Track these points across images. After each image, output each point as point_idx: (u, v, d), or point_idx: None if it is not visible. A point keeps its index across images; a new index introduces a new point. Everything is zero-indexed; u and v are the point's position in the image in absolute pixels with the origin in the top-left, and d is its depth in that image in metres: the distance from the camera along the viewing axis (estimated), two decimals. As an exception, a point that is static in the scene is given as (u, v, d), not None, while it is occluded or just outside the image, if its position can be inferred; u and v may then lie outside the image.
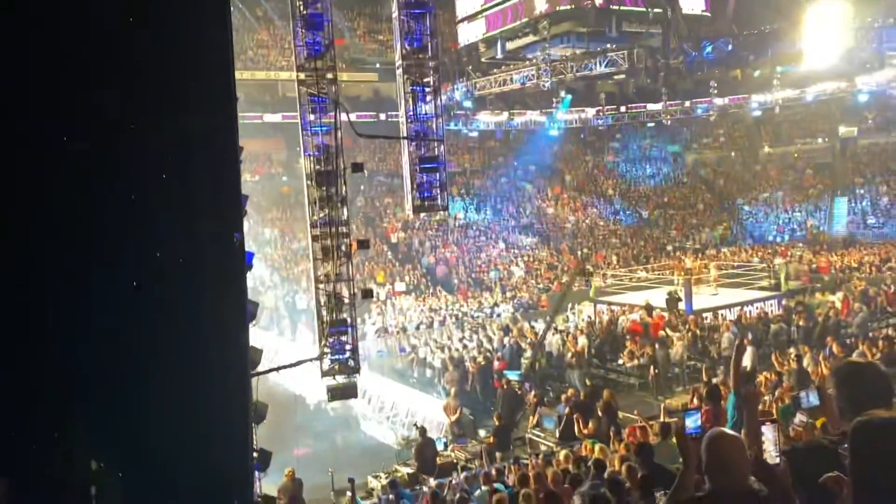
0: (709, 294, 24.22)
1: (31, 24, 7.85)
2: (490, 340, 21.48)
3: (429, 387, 19.05)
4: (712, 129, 45.83)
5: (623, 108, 40.76)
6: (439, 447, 13.57)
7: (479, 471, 11.26)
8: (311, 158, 12.16)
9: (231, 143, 10.89)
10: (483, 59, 32.80)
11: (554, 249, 36.35)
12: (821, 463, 2.66)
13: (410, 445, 14.14)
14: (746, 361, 16.03)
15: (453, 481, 9.97)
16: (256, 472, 10.72)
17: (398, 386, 19.50)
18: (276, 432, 14.29)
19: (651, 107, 39.68)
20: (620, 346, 19.68)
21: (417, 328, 24.94)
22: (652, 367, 17.41)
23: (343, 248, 12.34)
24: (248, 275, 10.92)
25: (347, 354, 12.52)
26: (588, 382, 16.37)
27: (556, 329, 20.63)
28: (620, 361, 18.87)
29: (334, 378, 12.56)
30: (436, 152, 12.97)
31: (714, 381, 13.07)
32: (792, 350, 15.16)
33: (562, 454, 10.11)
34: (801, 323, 18.58)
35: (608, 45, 28.11)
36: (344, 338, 12.51)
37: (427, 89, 12.83)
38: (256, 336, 16.52)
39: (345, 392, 12.71)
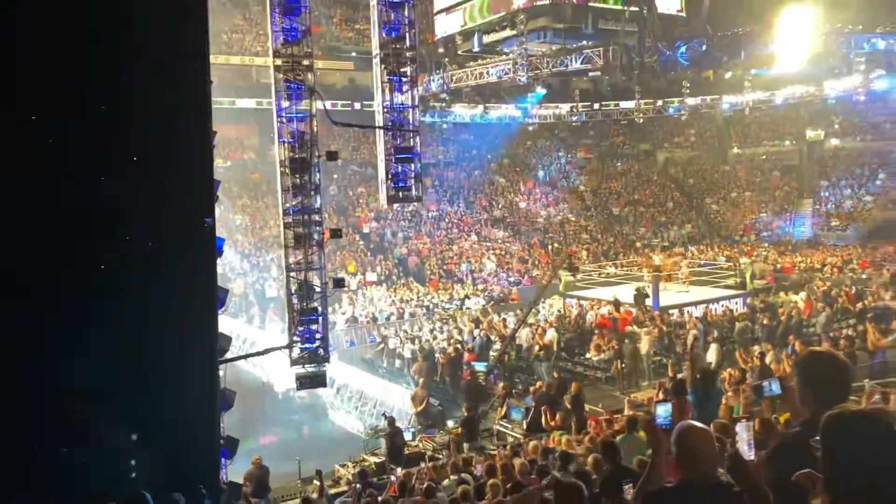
0: (679, 291, 24.55)
1: None
2: (460, 332, 21.58)
3: (398, 377, 19.08)
4: (683, 128, 46.42)
5: (597, 106, 41.11)
6: (407, 437, 13.61)
7: (447, 461, 11.33)
8: (285, 145, 12.05)
9: (204, 127, 10.76)
10: (460, 52, 32.79)
11: (525, 243, 36.56)
12: (793, 458, 2.71)
13: (378, 435, 14.16)
14: (711, 358, 16.37)
15: (421, 471, 10.01)
16: (223, 459, 10.67)
17: (367, 376, 19.50)
18: (243, 420, 14.23)
19: (624, 104, 40.09)
20: (588, 340, 19.89)
21: (388, 319, 24.93)
22: (618, 362, 17.63)
23: (315, 236, 12.27)
24: (218, 261, 10.82)
25: (317, 343, 12.46)
26: (556, 375, 16.52)
27: (525, 322, 20.75)
28: (588, 355, 19.07)
29: (303, 367, 12.50)
30: (411, 143, 12.92)
31: (679, 375, 13.27)
32: (756, 347, 15.45)
33: (530, 445, 10.20)
34: (764, 321, 18.92)
35: (584, 42, 28.30)
36: (314, 326, 12.45)
37: (404, 79, 12.78)
38: (225, 323, 16.37)
39: (314, 381, 12.66)
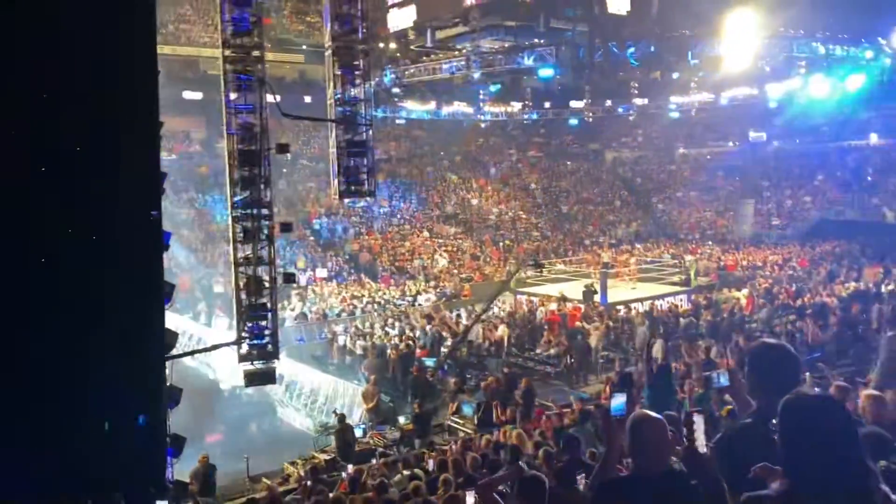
0: (628, 289, 25.00)
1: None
2: (412, 328, 21.55)
3: (349, 374, 18.93)
4: (631, 128, 47.30)
5: (547, 104, 41.54)
6: (358, 434, 13.53)
7: (398, 457, 11.31)
8: (234, 137, 11.81)
9: (151, 117, 10.48)
10: (413, 47, 32.68)
11: (477, 240, 36.72)
12: (746, 448, 2.78)
13: (328, 432, 14.03)
14: (657, 353, 16.71)
15: (372, 467, 9.96)
16: (169, 458, 10.41)
17: (317, 373, 19.29)
18: (190, 418, 13.90)
19: (574, 104, 40.62)
20: (539, 336, 20.10)
21: (339, 315, 24.72)
22: (568, 357, 17.86)
23: (265, 230, 12.06)
24: (164, 256, 10.55)
25: (266, 339, 12.25)
26: (506, 370, 16.65)
27: (481, 318, 20.78)
28: (538, 351, 19.27)
29: (252, 363, 12.29)
30: (364, 137, 12.80)
31: (627, 370, 13.52)
32: (702, 342, 15.83)
33: (482, 440, 10.25)
34: (708, 317, 19.41)
35: (536, 40, 28.52)
36: (263, 322, 12.24)
37: (356, 73, 12.65)
38: (171, 320, 15.98)
39: (262, 378, 12.46)
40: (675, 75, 33.36)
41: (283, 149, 12.06)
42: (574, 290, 24.20)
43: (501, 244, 36.69)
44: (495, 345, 18.88)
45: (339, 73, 12.66)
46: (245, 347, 12.12)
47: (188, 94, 35.52)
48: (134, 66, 9.70)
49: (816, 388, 5.86)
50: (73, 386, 8.01)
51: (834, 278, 23.59)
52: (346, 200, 34.19)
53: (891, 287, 19.21)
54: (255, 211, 11.98)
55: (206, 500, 10.58)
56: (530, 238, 37.96)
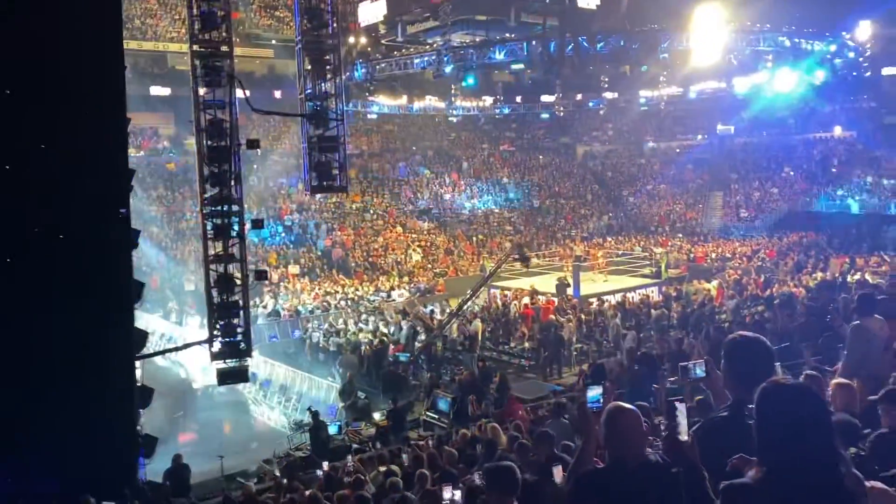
0: (600, 282, 25.16)
1: None
2: (387, 324, 21.50)
3: (322, 371, 18.83)
4: (601, 122, 47.62)
5: (519, 99, 41.65)
6: (333, 431, 13.46)
7: (374, 453, 11.29)
8: (204, 134, 11.66)
9: (118, 114, 10.26)
10: (383, 42, 32.52)
11: (450, 235, 36.73)
12: (723, 438, 2.82)
13: (302, 429, 13.94)
14: (629, 344, 16.90)
15: (347, 464, 9.92)
16: (141, 458, 10.28)
17: (290, 370, 19.16)
18: (162, 418, 13.76)
19: (545, 98, 40.77)
20: (513, 329, 20.17)
21: (311, 312, 24.56)
22: (542, 350, 17.95)
23: (235, 227, 11.94)
24: (133, 254, 10.39)
25: (238, 337, 12.15)
26: (481, 364, 16.69)
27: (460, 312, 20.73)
28: (513, 344, 19.34)
29: (224, 361, 12.18)
30: (335, 132, 12.71)
31: (599, 361, 13.63)
32: (673, 333, 16.01)
33: (459, 435, 10.26)
34: (678, 309, 19.64)
35: (507, 35, 28.57)
36: (235, 320, 12.14)
37: (327, 67, 12.54)
38: (142, 319, 15.75)
39: (235, 376, 12.36)
40: (643, 68, 33.63)
41: (252, 144, 11.95)
42: (547, 283, 24.32)
43: (475, 239, 36.75)
44: (470, 339, 18.91)
45: (309, 67, 12.55)
46: (217, 346, 12.02)
47: (156, 90, 34.99)
48: (100, 62, 9.51)
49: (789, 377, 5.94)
50: (40, 387, 7.87)
51: (801, 269, 23.99)
52: (318, 196, 34.10)
53: (856, 277, 19.60)
54: (225, 208, 11.86)
55: (181, 500, 10.45)
56: (503, 232, 38.04)
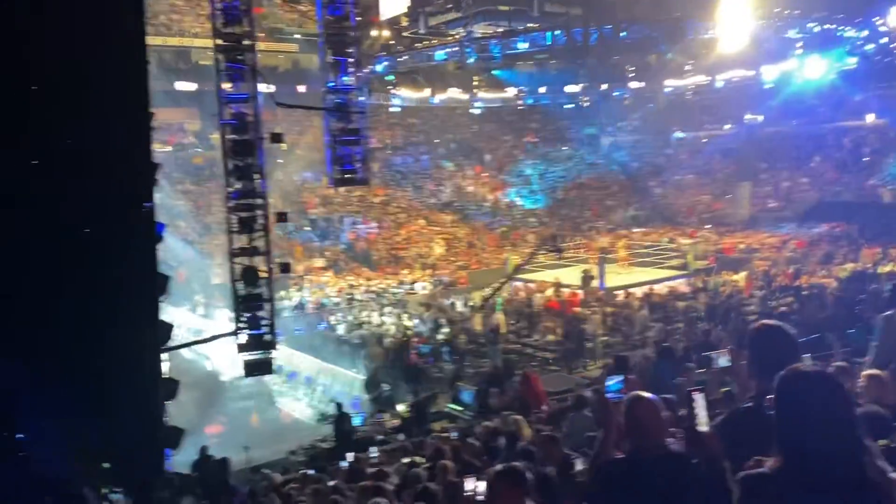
0: (621, 274, 24.94)
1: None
2: (410, 317, 21.55)
3: (347, 363, 18.93)
4: (627, 112, 47.09)
5: (542, 90, 41.39)
6: (357, 422, 13.52)
7: (397, 445, 11.31)
8: (228, 128, 11.73)
9: (142, 107, 10.35)
10: (406, 34, 32.50)
11: (473, 228, 36.66)
12: (749, 427, 2.75)
13: (327, 421, 14.03)
14: (656, 336, 16.77)
15: (371, 456, 9.95)
16: (167, 450, 10.40)
17: (315, 362, 19.29)
18: (189, 410, 13.91)
19: (569, 89, 40.46)
20: (536, 322, 20.09)
21: (336, 304, 24.70)
22: (567, 342, 17.86)
23: (260, 220, 12.01)
24: (160, 248, 10.49)
25: (264, 330, 12.24)
26: (504, 357, 16.66)
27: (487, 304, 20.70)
28: (536, 337, 19.27)
29: (250, 353, 12.27)
30: (357, 125, 12.73)
31: (622, 354, 13.50)
32: (700, 325, 15.84)
33: (480, 427, 10.24)
34: (706, 300, 19.42)
35: (530, 24, 28.39)
36: (260, 313, 12.22)
37: (349, 60, 12.56)
38: (169, 312, 15.92)
39: (261, 367, 12.45)
40: (668, 55, 33.17)
41: (276, 138, 11.99)
42: (571, 275, 24.20)
43: (498, 231, 36.65)
44: (493, 332, 18.87)
45: (331, 60, 12.56)
46: (243, 338, 12.10)
47: (181, 86, 35.28)
48: (124, 57, 9.60)
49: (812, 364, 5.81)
50: (65, 379, 7.98)
51: (831, 260, 23.58)
52: (342, 189, 34.26)
53: (888, 268, 19.21)
54: (250, 201, 11.93)
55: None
56: (527, 224, 37.88)
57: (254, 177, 11.75)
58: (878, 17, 31.55)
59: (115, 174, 9.10)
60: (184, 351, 19.61)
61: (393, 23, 31.91)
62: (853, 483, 2.07)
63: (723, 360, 3.20)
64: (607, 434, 3.06)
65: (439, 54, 30.17)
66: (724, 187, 41.34)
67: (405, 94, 38.70)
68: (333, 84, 12.60)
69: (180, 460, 11.24)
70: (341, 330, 21.44)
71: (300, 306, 24.37)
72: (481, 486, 5.43)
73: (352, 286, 26.98)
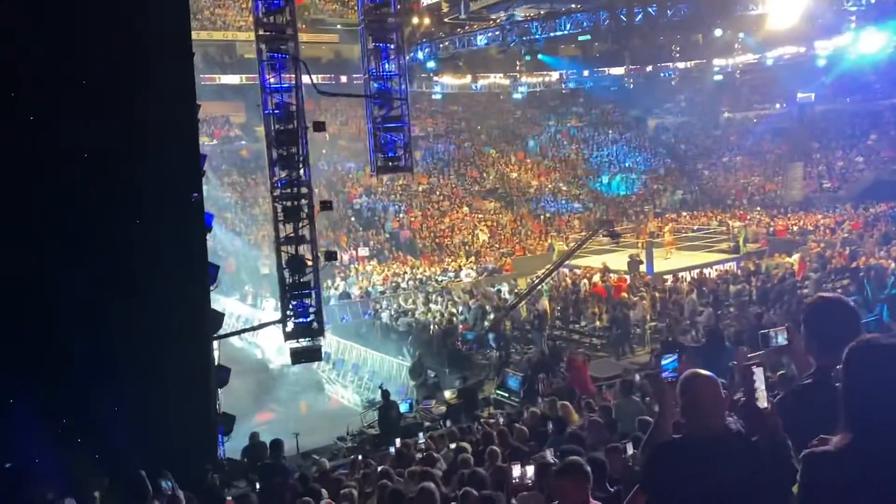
0: (664, 259, 24.46)
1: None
2: (455, 304, 21.54)
3: (393, 350, 19.05)
4: (674, 93, 46.07)
5: (586, 73, 40.76)
6: (404, 409, 13.58)
7: (444, 431, 11.33)
8: (272, 117, 11.83)
9: (188, 100, 10.48)
10: (446, 20, 32.31)
11: (517, 214, 36.45)
12: (812, 404, 2.60)
13: (375, 408, 14.13)
14: (706, 320, 16.46)
15: (419, 441, 9.99)
16: (220, 436, 10.61)
17: (362, 350, 19.45)
18: (240, 397, 14.17)
19: (613, 71, 39.76)
20: (582, 308, 19.87)
21: (381, 293, 24.86)
22: (614, 328, 17.64)
23: (305, 209, 12.10)
24: (209, 239, 10.65)
25: (311, 317, 12.36)
26: (550, 343, 16.54)
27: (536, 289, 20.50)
28: (583, 323, 19.07)
29: (298, 341, 12.41)
30: (399, 112, 12.70)
31: (671, 338, 13.28)
32: (752, 308, 15.47)
33: (528, 412, 10.19)
34: (758, 284, 18.94)
35: (572, 6, 27.91)
36: (307, 300, 12.34)
37: (390, 46, 12.52)
38: (219, 302, 16.20)
39: (308, 355, 12.58)
40: (717, 32, 32.17)
41: (319, 127, 12.03)
42: (618, 261, 23.87)
43: (542, 217, 36.35)
44: (538, 318, 18.74)
45: (372, 47, 12.55)
46: (290, 325, 12.24)
47: (226, 79, 35.80)
48: (169, 51, 9.72)
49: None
50: (120, 367, 8.17)
51: (889, 240, 22.73)
52: (385, 179, 34.39)
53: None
54: (294, 190, 12.02)
55: (256, 477, 10.74)
56: (572, 210, 37.48)
57: (298, 165, 11.83)
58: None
59: (163, 165, 9.26)
60: (234, 340, 20.02)
61: (433, 9, 31.72)
62: None
63: (780, 338, 3.06)
64: (662, 414, 2.96)
65: (481, 39, 29.85)
66: (775, 168, 40.23)
67: (446, 81, 38.58)
68: (374, 70, 12.60)
69: (232, 447, 11.47)
70: (386, 318, 21.56)
71: (345, 295, 24.59)
72: (529, 471, 5.40)
73: (396, 274, 27.11)
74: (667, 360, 2.97)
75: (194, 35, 10.62)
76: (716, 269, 22.66)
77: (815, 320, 2.86)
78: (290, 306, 12.22)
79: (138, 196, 8.88)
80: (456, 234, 33.32)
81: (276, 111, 11.78)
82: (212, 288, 10.36)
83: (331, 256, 13.23)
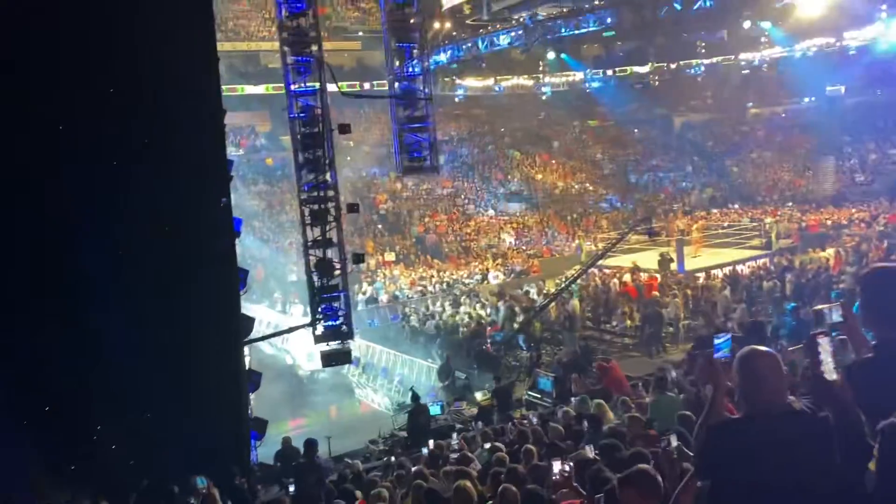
0: (692, 258, 24.08)
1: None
2: (483, 306, 21.42)
3: (422, 353, 18.98)
4: (699, 90, 45.48)
5: (610, 72, 40.42)
6: (435, 411, 13.48)
7: (477, 432, 11.19)
8: (297, 121, 11.84)
9: (214, 106, 10.52)
10: (469, 21, 32.22)
11: (543, 215, 36.20)
12: (878, 374, 2.43)
13: (405, 411, 14.04)
14: (739, 317, 16.15)
15: (452, 442, 9.87)
16: (253, 440, 10.60)
17: (391, 353, 19.42)
18: (271, 403, 14.18)
19: (638, 69, 39.37)
20: (613, 308, 19.63)
21: (409, 297, 24.82)
22: (646, 327, 17.39)
23: (332, 211, 12.08)
24: (238, 246, 10.66)
25: (340, 320, 12.33)
26: (582, 343, 16.34)
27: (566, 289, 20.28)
28: (614, 323, 18.84)
29: (327, 344, 12.39)
30: (423, 112, 12.65)
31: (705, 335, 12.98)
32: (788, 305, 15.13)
33: (561, 411, 10.03)
34: (791, 279, 18.57)
35: (596, 2, 27.63)
36: (336, 304, 12.32)
37: (413, 46, 12.48)
38: (248, 308, 16.23)
39: (339, 358, 12.54)
40: (745, 24, 31.58)
41: (344, 129, 12.01)
42: (647, 259, 23.57)
43: (569, 218, 36.06)
44: (569, 319, 18.54)
45: (395, 48, 12.51)
46: (320, 329, 12.22)
47: (250, 90, 36.08)
48: (195, 57, 9.78)
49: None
50: (154, 372, 8.19)
51: (928, 233, 22.18)
52: (409, 184, 34.40)
53: None
54: (321, 193, 12.02)
55: (290, 480, 10.71)
56: (598, 210, 37.14)
57: (324, 168, 11.83)
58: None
59: (191, 170, 9.30)
60: (265, 346, 20.10)
61: (455, 11, 31.65)
62: None
63: (836, 315, 2.90)
64: (716, 395, 2.81)
65: (503, 39, 29.67)
66: (806, 163, 39.50)
67: (469, 84, 38.46)
68: (399, 71, 12.56)
69: (265, 453, 11.46)
70: (414, 321, 21.51)
71: (373, 299, 24.59)
72: (568, 467, 5.28)
73: (423, 278, 27.06)
74: (720, 340, 2.83)
75: (218, 46, 10.67)
76: (748, 266, 22.27)
77: (873, 291, 2.69)
78: (320, 310, 12.20)
79: (169, 200, 8.93)
80: (482, 237, 33.18)
81: (301, 115, 11.79)
82: (241, 293, 10.38)
83: (358, 259, 13.21)
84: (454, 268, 28.96)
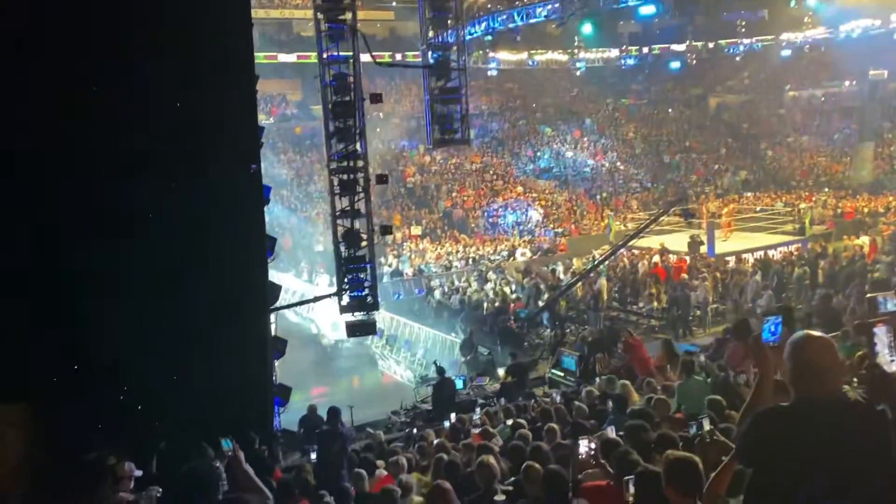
0: (722, 241, 23.68)
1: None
2: (508, 283, 21.35)
3: (446, 328, 18.99)
4: (737, 71, 44.46)
5: (646, 49, 39.65)
6: (459, 385, 13.48)
7: (499, 408, 11.17)
8: (329, 89, 11.74)
9: (247, 73, 10.46)
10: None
11: (573, 194, 35.84)
12: None
13: (428, 384, 14.07)
14: (766, 303, 15.91)
15: (474, 417, 9.86)
16: (276, 406, 10.68)
17: (415, 326, 19.45)
18: (295, 371, 14.29)
19: (675, 47, 38.57)
20: (640, 289, 19.43)
21: (434, 271, 24.81)
22: (675, 309, 17.19)
23: (361, 182, 12.02)
24: (266, 216, 10.66)
25: (366, 291, 12.31)
26: (608, 323, 16.21)
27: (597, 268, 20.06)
28: (641, 304, 18.65)
29: (353, 314, 12.40)
30: (456, 83, 12.46)
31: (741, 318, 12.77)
32: (820, 291, 14.82)
33: (586, 390, 9.96)
34: (825, 266, 18.21)
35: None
36: (362, 275, 12.29)
37: (448, 15, 12.28)
38: (276, 276, 16.31)
39: (364, 328, 12.55)
40: (791, 2, 30.68)
41: (375, 98, 11.89)
42: (676, 241, 23.24)
43: (598, 197, 35.67)
44: (595, 298, 18.39)
45: (430, 16, 12.32)
46: (346, 299, 12.23)
47: (283, 57, 36.02)
48: (229, 20, 9.71)
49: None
50: (182, 336, 8.24)
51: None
52: (438, 158, 34.21)
53: None
54: (350, 163, 11.95)
55: (312, 447, 10.81)
56: (629, 190, 36.66)
57: (354, 138, 11.74)
58: None
59: (222, 136, 9.27)
60: (290, 314, 20.25)
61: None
62: None
63: (891, 304, 2.76)
64: (763, 380, 2.70)
65: (540, 12, 29.15)
66: (844, 149, 38.58)
67: (503, 57, 37.96)
68: (432, 40, 12.37)
69: (289, 419, 11.56)
70: (439, 295, 21.50)
71: (398, 272, 24.62)
72: (593, 445, 5.22)
73: (449, 253, 27.00)
74: (769, 324, 2.69)
75: (252, 13, 10.60)
76: (780, 251, 21.87)
77: None
78: (346, 280, 12.20)
79: (199, 166, 8.92)
80: (509, 213, 32.96)
81: (332, 83, 11.69)
82: (269, 260, 10.40)
83: (386, 230, 13.16)
84: (480, 243, 28.86)
